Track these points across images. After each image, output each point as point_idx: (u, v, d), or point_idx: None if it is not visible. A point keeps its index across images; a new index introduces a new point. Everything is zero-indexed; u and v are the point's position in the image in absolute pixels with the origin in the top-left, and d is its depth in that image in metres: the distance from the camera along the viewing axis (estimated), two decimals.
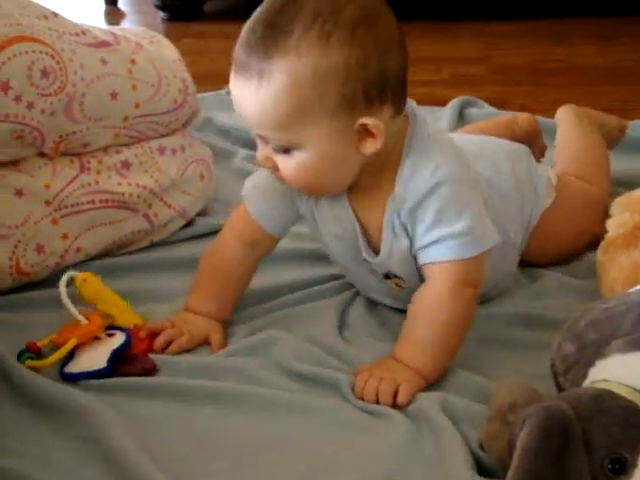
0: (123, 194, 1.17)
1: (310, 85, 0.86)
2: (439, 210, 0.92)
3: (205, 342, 1.00)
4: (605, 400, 0.71)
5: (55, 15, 1.13)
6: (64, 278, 1.01)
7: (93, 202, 1.14)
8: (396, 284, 1.02)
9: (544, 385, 0.86)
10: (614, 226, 0.98)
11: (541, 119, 1.58)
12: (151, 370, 0.96)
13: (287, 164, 0.91)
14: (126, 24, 2.77)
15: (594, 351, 0.80)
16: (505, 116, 1.43)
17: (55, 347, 0.97)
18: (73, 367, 0.96)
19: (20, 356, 0.96)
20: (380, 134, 0.89)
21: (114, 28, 1.25)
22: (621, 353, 0.78)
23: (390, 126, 0.91)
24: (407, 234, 0.95)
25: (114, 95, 1.15)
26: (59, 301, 1.00)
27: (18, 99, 1.04)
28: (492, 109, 1.71)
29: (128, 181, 1.18)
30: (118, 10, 2.90)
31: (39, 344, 0.98)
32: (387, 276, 1.01)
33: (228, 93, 1.78)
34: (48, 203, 1.11)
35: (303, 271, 1.15)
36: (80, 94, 1.11)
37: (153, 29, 1.43)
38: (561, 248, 1.15)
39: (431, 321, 0.94)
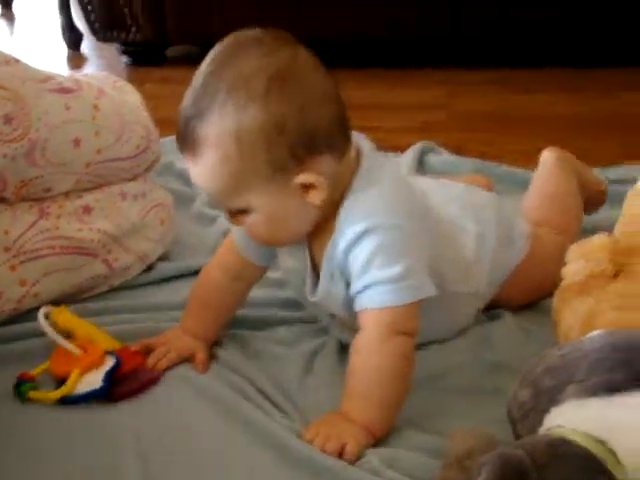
0: (83, 240, 1.17)
1: (237, 157, 0.90)
2: (369, 256, 0.94)
3: (191, 359, 1.05)
4: (560, 447, 0.73)
5: (17, 61, 1.13)
6: (42, 313, 1.04)
7: (52, 248, 1.14)
8: (342, 323, 1.05)
9: (501, 430, 0.87)
10: (569, 273, 1.00)
11: (504, 168, 1.62)
12: (155, 379, 1.02)
13: (247, 223, 0.96)
14: (89, 69, 2.78)
15: (549, 398, 0.81)
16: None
17: (52, 377, 1.00)
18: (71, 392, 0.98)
19: (18, 387, 0.98)
20: (321, 185, 0.92)
21: (77, 73, 1.25)
22: (575, 399, 0.79)
23: (337, 169, 0.94)
24: (344, 278, 0.97)
25: (77, 142, 1.15)
26: (31, 333, 1.06)
27: None
28: (451, 156, 1.73)
29: (89, 226, 1.18)
30: (80, 55, 2.91)
31: (33, 373, 1.00)
32: (332, 315, 1.05)
33: None
34: (7, 249, 1.11)
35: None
36: (43, 140, 1.11)
37: (116, 74, 1.43)
38: (528, 296, 1.18)
39: (366, 371, 0.94)
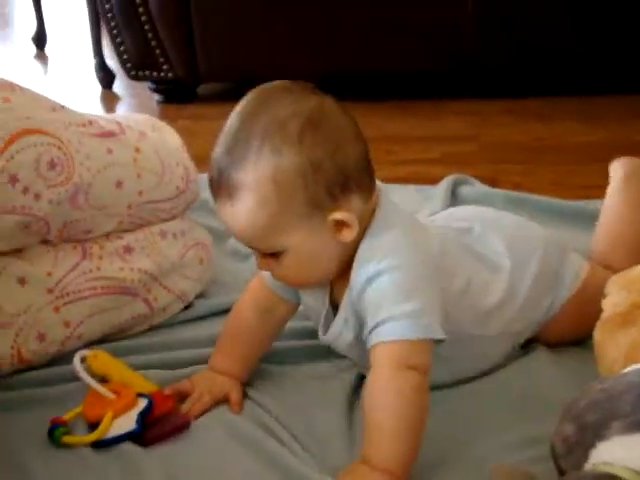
0: (125, 279, 1.18)
1: (275, 198, 0.93)
2: (382, 294, 0.96)
3: (224, 400, 1.06)
4: None
5: (62, 107, 1.16)
6: (77, 357, 1.05)
7: (95, 289, 1.16)
8: (354, 363, 1.08)
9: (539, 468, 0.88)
10: (610, 305, 0.99)
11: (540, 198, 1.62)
12: (185, 425, 1.02)
13: (279, 266, 0.98)
14: (122, 107, 2.82)
15: (594, 433, 0.81)
16: None
17: (85, 421, 1.01)
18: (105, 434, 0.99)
19: (52, 431, 0.99)
20: (353, 223, 0.95)
21: (118, 116, 1.28)
22: (621, 435, 0.79)
23: (364, 210, 0.97)
24: (357, 320, 1.00)
25: (119, 184, 1.18)
26: (68, 376, 1.06)
27: (25, 191, 1.07)
28: (484, 187, 1.74)
29: (130, 266, 1.20)
30: (113, 94, 2.95)
31: (66, 417, 1.01)
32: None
33: None
34: (50, 291, 1.12)
35: None
36: (86, 184, 1.13)
37: (148, 112, 1.46)
38: (571, 334, 1.17)
39: (378, 409, 0.93)
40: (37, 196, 1.08)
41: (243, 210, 0.93)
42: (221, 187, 0.94)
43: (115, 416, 1.00)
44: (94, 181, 1.14)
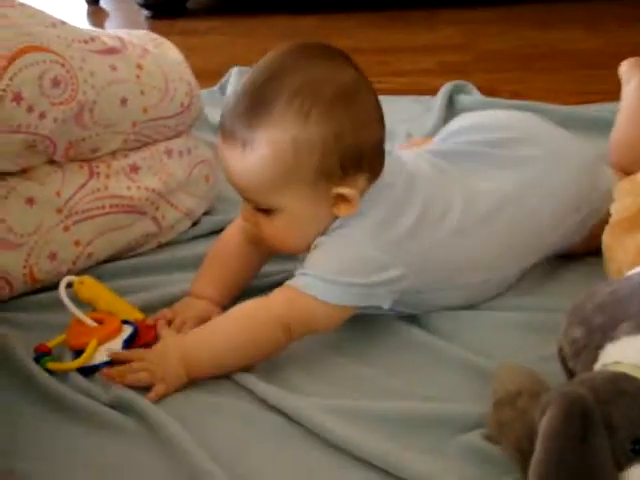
0: (132, 198, 1.19)
1: (290, 156, 0.92)
2: (315, 256, 0.96)
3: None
4: (621, 382, 0.74)
5: (63, 23, 1.14)
6: (63, 284, 1.03)
7: (103, 207, 1.16)
8: None
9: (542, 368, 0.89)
10: (619, 210, 1.00)
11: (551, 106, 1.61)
12: None
13: (267, 223, 0.97)
14: (109, 23, 2.78)
15: (603, 334, 0.82)
16: None
17: (69, 348, 1.00)
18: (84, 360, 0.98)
19: (38, 359, 0.98)
20: (355, 201, 0.95)
21: (119, 32, 1.26)
22: (631, 335, 0.80)
23: (365, 190, 0.97)
24: None
25: (124, 101, 1.17)
26: (58, 303, 1.03)
27: (30, 109, 1.06)
28: (482, 97, 1.73)
29: (137, 185, 1.20)
30: (101, 9, 2.91)
31: (49, 345, 1.00)
32: None
33: (221, 90, 1.82)
34: (59, 210, 1.13)
35: None
36: (91, 102, 1.12)
37: (137, 27, 1.44)
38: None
39: (234, 320, 0.96)
40: (42, 114, 1.07)
41: (254, 161, 0.92)
42: (236, 132, 0.92)
43: (99, 343, 0.99)
44: (98, 98, 1.13)
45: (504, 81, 1.87)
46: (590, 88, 1.76)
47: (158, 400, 0.91)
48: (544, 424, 0.72)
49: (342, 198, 0.95)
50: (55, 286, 1.05)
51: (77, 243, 1.14)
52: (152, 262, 1.22)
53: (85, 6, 2.92)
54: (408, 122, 1.60)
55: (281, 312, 0.94)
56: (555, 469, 0.69)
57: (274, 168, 0.92)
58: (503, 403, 0.83)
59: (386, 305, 0.99)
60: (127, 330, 1.01)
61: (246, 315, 0.96)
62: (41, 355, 0.98)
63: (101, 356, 0.98)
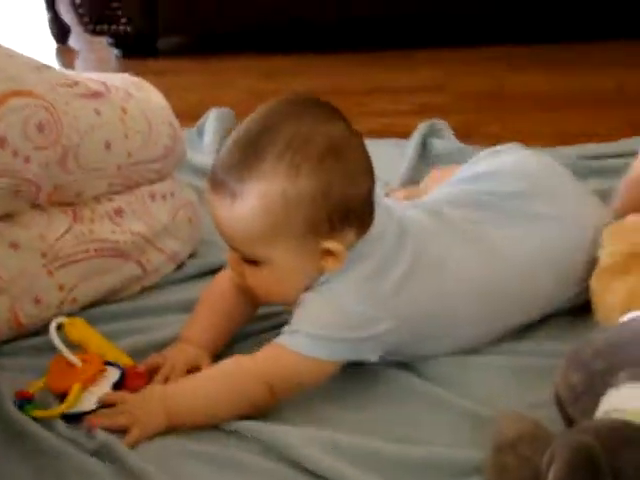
0: (118, 242, 1.17)
1: (279, 210, 0.92)
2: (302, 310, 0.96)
3: (197, 370, 1.02)
4: (625, 430, 0.74)
5: (47, 67, 1.13)
6: (53, 324, 1.03)
7: (88, 251, 1.15)
8: None
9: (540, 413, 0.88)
10: (607, 255, 1.02)
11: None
12: None
13: (253, 274, 0.97)
14: (79, 62, 2.77)
15: (603, 380, 0.83)
16: None
17: (50, 392, 0.98)
18: (72, 408, 0.96)
19: (21, 406, 0.95)
20: (342, 256, 0.95)
21: (101, 75, 1.25)
22: (632, 382, 0.81)
23: (354, 244, 0.97)
24: None
25: (108, 145, 1.16)
26: (40, 347, 1.04)
27: (15, 154, 1.04)
28: (456, 142, 1.72)
29: (122, 228, 1.19)
30: (69, 48, 2.89)
31: (31, 391, 0.98)
32: None
33: (198, 131, 1.81)
34: (44, 254, 1.11)
35: None
36: (75, 145, 1.11)
37: (108, 66, 1.43)
38: None
39: (220, 377, 0.96)
40: (27, 159, 1.06)
41: (242, 213, 0.93)
42: (226, 183, 0.93)
43: (84, 387, 0.97)
44: (82, 143, 1.12)
45: (481, 122, 1.89)
46: (568, 129, 1.78)
47: (134, 444, 0.90)
48: (552, 473, 0.71)
49: (329, 252, 0.95)
50: (39, 332, 1.04)
51: (61, 288, 1.13)
52: (137, 307, 1.20)
53: (54, 45, 2.90)
54: (385, 169, 1.59)
55: (265, 370, 0.94)
56: None
57: (263, 220, 0.92)
58: (503, 448, 0.83)
59: (373, 358, 0.99)
60: (114, 373, 1.00)
61: (229, 373, 0.96)
62: (23, 402, 0.96)
63: (89, 402, 0.96)
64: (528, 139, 1.70)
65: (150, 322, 1.16)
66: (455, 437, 0.91)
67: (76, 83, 1.14)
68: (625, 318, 0.91)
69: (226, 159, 0.94)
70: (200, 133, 1.80)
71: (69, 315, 1.12)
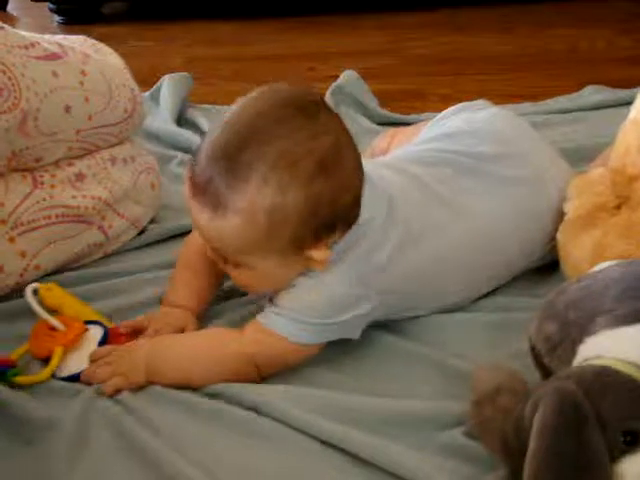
0: (79, 207, 1.15)
1: (263, 228, 0.88)
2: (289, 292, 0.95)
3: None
4: (607, 376, 0.75)
5: (2, 28, 1.09)
6: (29, 290, 1.02)
7: (49, 217, 1.12)
8: None
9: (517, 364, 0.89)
10: (572, 208, 1.03)
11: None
12: None
13: (235, 272, 0.95)
14: (20, 29, 2.69)
15: (580, 329, 0.84)
16: None
17: (34, 357, 0.97)
18: (63, 371, 0.96)
19: (4, 373, 0.94)
20: (326, 261, 0.93)
21: (57, 38, 1.22)
22: (609, 329, 0.82)
23: (338, 241, 0.94)
24: None
25: (67, 109, 1.13)
26: (17, 313, 1.04)
27: None
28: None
29: (82, 194, 1.16)
30: (8, 15, 2.81)
31: (13, 357, 0.97)
32: None
33: (152, 97, 1.78)
34: (3, 222, 1.08)
35: None
36: (34, 109, 1.08)
37: (49, 34, 1.39)
38: None
39: (199, 342, 0.97)
40: None
41: (225, 226, 0.89)
42: (209, 192, 0.88)
43: (66, 350, 0.97)
44: (42, 106, 1.09)
45: (433, 84, 1.89)
46: (520, 90, 1.79)
47: (112, 393, 0.91)
48: (538, 420, 0.72)
49: (313, 259, 0.93)
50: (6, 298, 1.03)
51: (23, 254, 1.10)
52: (104, 271, 1.18)
53: None
54: None
55: (252, 351, 0.94)
56: (551, 463, 0.70)
57: (245, 236, 0.89)
58: (483, 401, 0.83)
59: (356, 336, 0.98)
60: (98, 331, 1.00)
61: (217, 346, 0.96)
62: (6, 369, 0.94)
63: (80, 361, 0.96)
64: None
65: (121, 285, 1.15)
66: (436, 391, 0.92)
67: (32, 45, 1.11)
68: (596, 268, 0.93)
69: (207, 168, 0.88)
70: (154, 99, 1.77)
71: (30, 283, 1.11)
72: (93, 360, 0.96)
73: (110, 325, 1.03)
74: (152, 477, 0.81)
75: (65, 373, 0.96)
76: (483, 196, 1.05)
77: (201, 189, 0.89)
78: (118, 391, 0.92)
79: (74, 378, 0.95)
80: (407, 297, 1.02)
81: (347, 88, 1.73)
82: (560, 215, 1.07)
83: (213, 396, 0.92)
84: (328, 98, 1.67)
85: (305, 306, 0.94)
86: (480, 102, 1.22)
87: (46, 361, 0.96)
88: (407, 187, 1.02)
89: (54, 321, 0.99)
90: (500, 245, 1.06)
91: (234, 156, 0.87)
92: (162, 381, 0.94)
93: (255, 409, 0.89)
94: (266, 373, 0.95)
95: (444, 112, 1.20)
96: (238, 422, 0.88)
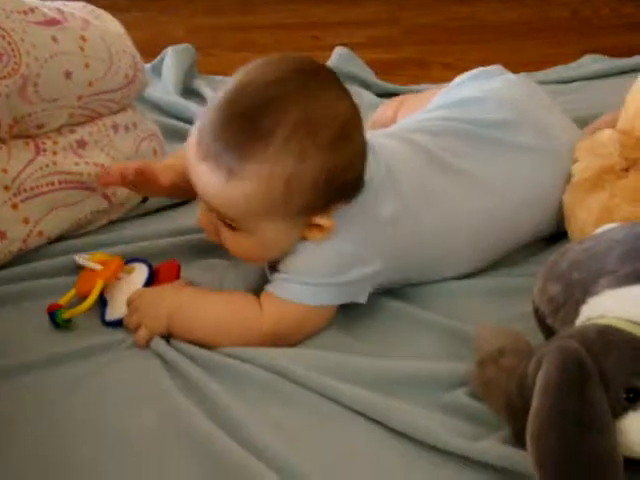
0: (82, 174, 1.14)
1: (278, 195, 0.87)
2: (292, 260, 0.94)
3: None
4: (610, 334, 0.75)
5: None
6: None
7: (52, 184, 1.12)
8: None
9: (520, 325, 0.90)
10: (580, 170, 1.02)
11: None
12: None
13: (230, 237, 0.93)
14: None
15: (583, 290, 0.84)
16: None
17: (81, 299, 0.99)
18: (112, 314, 0.98)
19: (53, 317, 0.97)
20: (330, 228, 0.92)
21: (56, 3, 1.21)
22: (612, 289, 0.82)
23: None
24: None
25: (68, 74, 1.12)
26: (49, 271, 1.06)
27: None
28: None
29: (85, 160, 1.16)
30: None
31: (62, 302, 0.99)
32: None
33: (154, 69, 1.77)
34: (6, 188, 1.08)
35: None
36: (34, 75, 1.07)
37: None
38: None
39: (222, 306, 0.96)
40: None
41: (238, 192, 0.87)
42: (222, 158, 0.86)
43: (106, 283, 0.99)
44: (42, 72, 1.09)
45: (436, 53, 1.88)
46: (523, 58, 1.78)
47: (141, 345, 0.94)
48: (541, 377, 0.72)
49: (318, 226, 0.92)
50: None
51: (26, 221, 1.10)
52: (104, 240, 1.17)
53: None
54: None
55: (274, 330, 0.93)
56: (554, 420, 0.70)
57: (258, 202, 0.88)
58: (486, 362, 0.84)
59: (363, 300, 0.97)
60: (142, 274, 1.00)
61: (240, 321, 0.94)
62: (55, 312, 0.97)
63: (123, 307, 0.98)
64: None
65: (126, 252, 1.12)
66: (439, 353, 0.92)
67: (32, 10, 1.10)
68: (599, 230, 0.92)
69: (220, 130, 0.87)
70: (156, 70, 1.76)
71: (35, 250, 1.11)
72: (128, 304, 0.97)
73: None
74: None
75: (113, 317, 0.98)
76: (490, 162, 1.03)
77: (213, 154, 0.87)
78: (145, 341, 0.94)
79: (119, 323, 0.97)
80: (410, 265, 1.01)
81: (342, 66, 1.72)
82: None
83: (231, 356, 0.92)
84: None
85: (313, 267, 0.93)
86: (496, 68, 1.19)
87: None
88: (409, 155, 1.01)
89: (92, 264, 1.02)
90: (508, 212, 1.04)
91: (253, 121, 0.86)
92: (181, 337, 0.94)
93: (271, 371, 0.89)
94: (287, 344, 0.94)
95: (459, 78, 1.17)
96: (260, 383, 0.88)
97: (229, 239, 0.94)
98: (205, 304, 0.96)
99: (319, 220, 0.91)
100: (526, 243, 1.10)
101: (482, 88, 1.11)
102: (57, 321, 0.97)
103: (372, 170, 0.95)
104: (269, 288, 0.95)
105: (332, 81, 0.91)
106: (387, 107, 1.33)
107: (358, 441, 0.81)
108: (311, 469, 0.75)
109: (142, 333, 0.94)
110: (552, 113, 1.12)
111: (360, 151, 0.92)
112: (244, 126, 0.86)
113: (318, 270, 0.93)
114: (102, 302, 1.00)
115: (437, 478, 0.77)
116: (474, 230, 1.02)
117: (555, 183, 1.06)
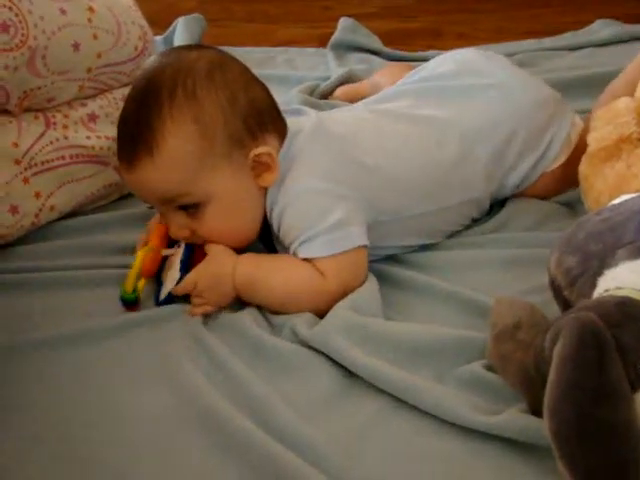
0: (93, 147, 1.14)
1: (197, 138, 0.92)
2: (292, 222, 0.95)
3: None
4: (628, 306, 0.74)
5: None
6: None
7: (63, 158, 1.11)
8: None
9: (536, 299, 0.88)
10: (596, 140, 1.00)
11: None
12: None
13: (202, 224, 0.96)
14: None
15: (600, 261, 0.83)
16: None
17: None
18: (163, 293, 0.98)
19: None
20: (274, 163, 0.95)
21: None
22: (629, 260, 0.80)
23: (279, 148, 0.97)
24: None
25: (76, 46, 1.11)
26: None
27: None
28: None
29: (96, 134, 1.15)
30: None
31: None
32: None
33: (165, 42, 1.76)
34: (17, 162, 1.07)
35: None
36: (42, 47, 1.07)
37: None
38: (564, 189, 1.17)
39: (287, 267, 0.96)
40: None
41: (167, 158, 0.91)
42: (138, 142, 0.91)
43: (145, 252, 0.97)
44: (50, 44, 1.08)
45: (450, 23, 1.86)
46: (536, 26, 1.76)
47: (197, 313, 0.94)
48: (558, 350, 0.71)
49: (262, 165, 0.94)
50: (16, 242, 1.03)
51: (38, 195, 1.09)
52: (116, 216, 1.16)
53: None
54: None
55: (338, 288, 0.94)
56: (572, 393, 0.69)
57: (186, 156, 0.92)
58: (503, 336, 0.83)
59: (364, 241, 0.97)
60: (180, 250, 0.99)
61: (308, 287, 0.94)
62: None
63: (170, 284, 0.97)
64: (496, 37, 1.70)
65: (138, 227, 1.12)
66: (457, 324, 0.90)
67: None
68: (616, 201, 0.91)
69: (128, 121, 0.93)
70: (168, 42, 1.74)
71: (47, 225, 1.10)
72: (179, 294, 0.96)
73: None
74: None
75: (163, 295, 0.97)
76: (445, 106, 1.09)
77: (131, 144, 0.92)
78: (202, 312, 0.95)
79: (170, 299, 0.97)
80: (380, 197, 1.01)
81: (347, 38, 1.70)
82: (528, 129, 1.10)
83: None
84: (331, 52, 1.66)
85: (305, 217, 0.95)
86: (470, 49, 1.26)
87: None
88: (361, 123, 1.06)
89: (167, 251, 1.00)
90: (468, 150, 1.07)
91: (141, 97, 0.93)
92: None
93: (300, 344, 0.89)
94: (352, 290, 0.95)
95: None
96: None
97: (203, 227, 0.96)
98: (274, 276, 0.95)
99: (257, 150, 0.94)
100: (491, 192, 1.11)
101: (440, 58, 1.21)
102: (125, 297, 0.96)
103: (298, 121, 1.01)
104: (306, 254, 0.95)
105: (195, 46, 1.02)
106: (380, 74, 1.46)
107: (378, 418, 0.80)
108: (332, 451, 0.74)
109: (208, 309, 0.95)
110: (503, 66, 1.18)
111: (248, 78, 0.97)
112: (140, 111, 0.92)
113: (311, 217, 0.94)
114: (157, 282, 0.99)
115: (455, 451, 0.76)
116: (427, 169, 1.05)
117: (510, 115, 1.11)
